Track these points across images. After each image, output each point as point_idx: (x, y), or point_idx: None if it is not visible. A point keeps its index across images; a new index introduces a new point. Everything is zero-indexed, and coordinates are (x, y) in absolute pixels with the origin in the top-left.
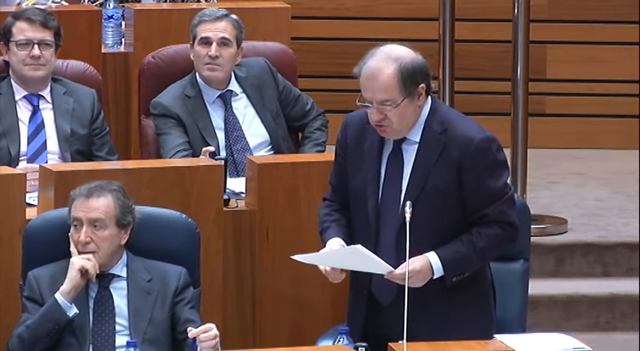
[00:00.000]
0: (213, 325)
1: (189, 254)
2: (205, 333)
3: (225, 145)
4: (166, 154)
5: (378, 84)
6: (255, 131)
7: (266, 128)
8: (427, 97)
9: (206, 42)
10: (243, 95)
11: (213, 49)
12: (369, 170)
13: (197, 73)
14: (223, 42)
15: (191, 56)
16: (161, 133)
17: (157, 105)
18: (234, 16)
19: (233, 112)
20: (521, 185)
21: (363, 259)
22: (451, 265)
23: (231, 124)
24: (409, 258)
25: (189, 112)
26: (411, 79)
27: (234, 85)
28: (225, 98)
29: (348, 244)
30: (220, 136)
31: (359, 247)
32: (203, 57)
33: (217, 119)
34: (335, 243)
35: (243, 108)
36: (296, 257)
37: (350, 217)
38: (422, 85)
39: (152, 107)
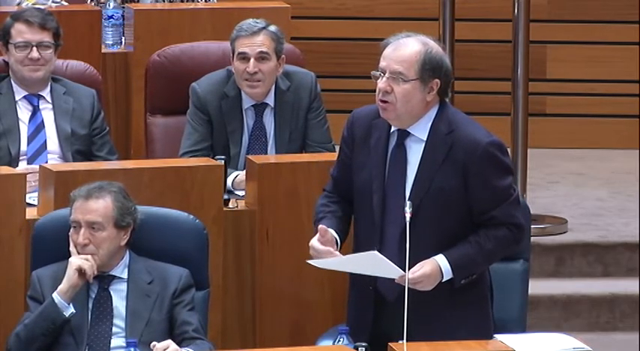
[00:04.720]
0: (171, 343)
1: (197, 255)
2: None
3: (246, 156)
4: (181, 149)
5: (398, 54)
6: (270, 146)
7: (276, 147)
8: (438, 97)
9: (244, 57)
10: (273, 110)
11: (251, 65)
12: (374, 166)
13: None
14: (261, 56)
15: (233, 70)
16: (190, 123)
17: (195, 93)
18: (272, 28)
19: (262, 125)
20: (521, 185)
21: (377, 264)
22: (460, 267)
23: (256, 137)
24: (411, 258)
25: (221, 113)
26: (431, 67)
27: (270, 99)
28: (258, 110)
29: (339, 237)
30: (245, 143)
31: (375, 253)
32: (242, 73)
33: (247, 127)
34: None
35: (269, 122)
36: (311, 262)
37: (346, 209)
38: (437, 80)
39: (190, 91)
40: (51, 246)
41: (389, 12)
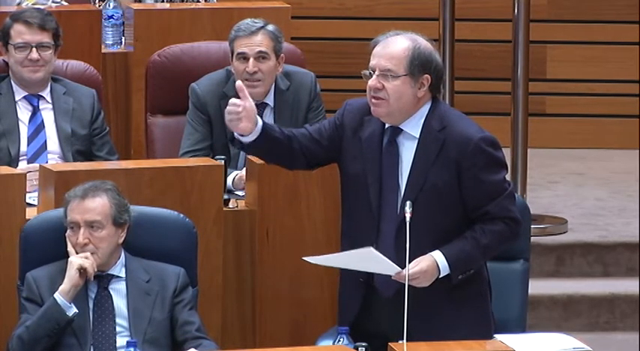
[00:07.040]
0: None
1: (187, 253)
2: None
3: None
4: (181, 149)
5: (387, 51)
6: None
7: None
8: (430, 94)
9: (243, 57)
10: (273, 109)
11: (251, 64)
12: (368, 160)
13: None
14: (261, 56)
15: (232, 70)
16: (190, 123)
17: (194, 93)
18: (270, 27)
19: None
20: (521, 185)
21: (373, 261)
22: (457, 263)
23: None
24: (409, 256)
25: (221, 113)
26: (420, 62)
27: (270, 99)
28: (258, 110)
29: (268, 128)
30: None
31: (371, 249)
32: (241, 73)
33: None
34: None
35: (268, 122)
36: (307, 258)
37: (289, 140)
38: (427, 75)
39: (190, 91)
40: (41, 248)
41: (389, 12)
